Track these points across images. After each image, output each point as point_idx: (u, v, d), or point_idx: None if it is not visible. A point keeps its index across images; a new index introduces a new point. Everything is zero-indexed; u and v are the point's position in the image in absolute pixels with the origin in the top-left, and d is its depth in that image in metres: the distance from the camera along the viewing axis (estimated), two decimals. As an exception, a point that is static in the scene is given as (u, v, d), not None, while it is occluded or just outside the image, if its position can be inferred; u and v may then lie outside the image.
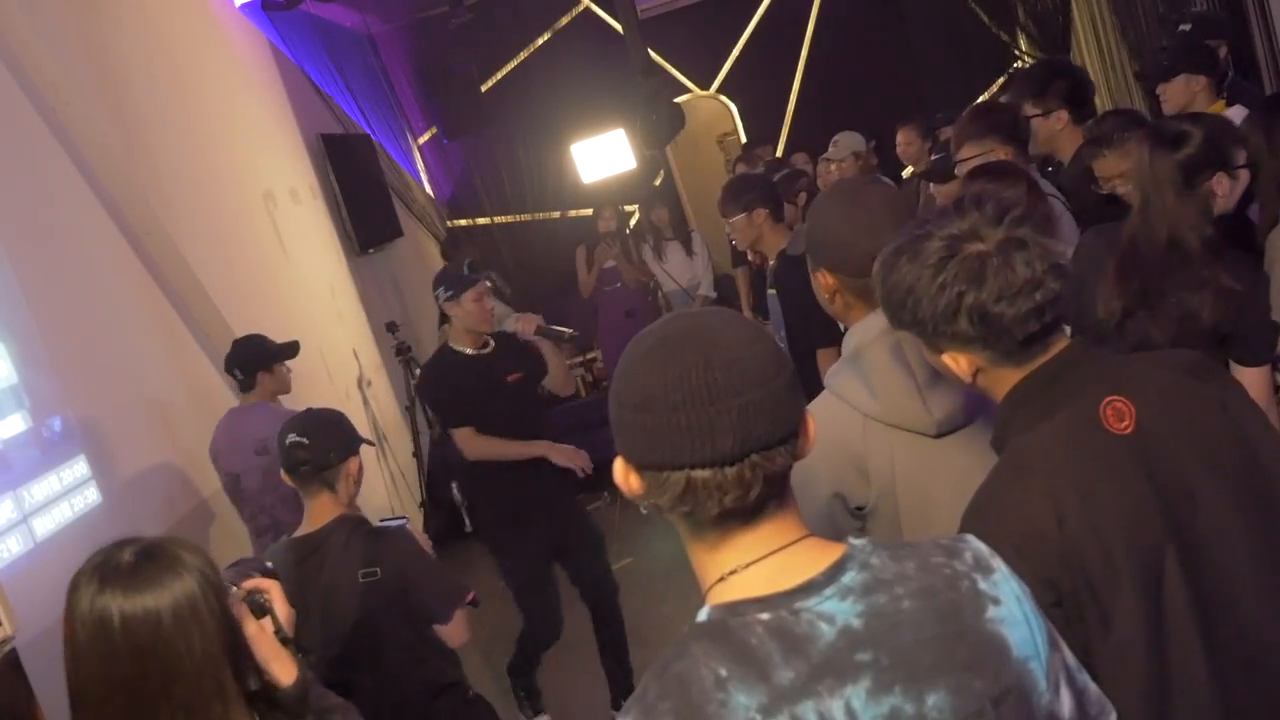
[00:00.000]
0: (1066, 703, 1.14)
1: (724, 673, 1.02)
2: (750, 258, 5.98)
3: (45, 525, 3.06)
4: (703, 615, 1.08)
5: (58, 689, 2.81)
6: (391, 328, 6.33)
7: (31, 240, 3.41)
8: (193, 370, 4.16)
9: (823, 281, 1.92)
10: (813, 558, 1.10)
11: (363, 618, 2.66)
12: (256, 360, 3.95)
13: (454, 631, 2.80)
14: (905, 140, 5.71)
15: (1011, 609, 1.11)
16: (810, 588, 1.07)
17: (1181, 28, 4.35)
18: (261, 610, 1.67)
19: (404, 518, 2.97)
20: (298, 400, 4.60)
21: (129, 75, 4.45)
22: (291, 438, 2.70)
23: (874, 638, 1.05)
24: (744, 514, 1.08)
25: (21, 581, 2.82)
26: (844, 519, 1.84)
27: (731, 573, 1.09)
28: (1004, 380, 1.51)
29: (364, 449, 2.85)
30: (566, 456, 3.87)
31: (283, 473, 2.74)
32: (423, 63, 8.58)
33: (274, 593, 1.71)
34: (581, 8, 8.87)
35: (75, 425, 3.30)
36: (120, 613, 1.49)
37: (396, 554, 2.72)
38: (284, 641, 1.67)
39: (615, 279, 7.20)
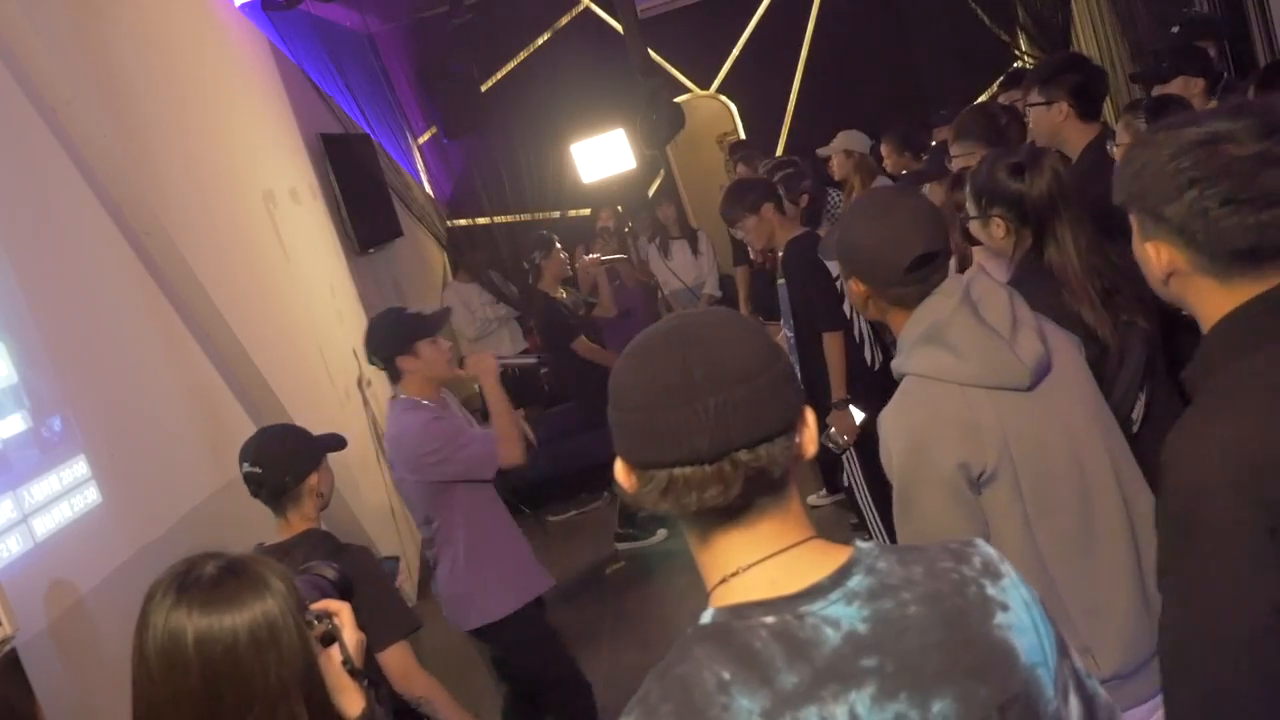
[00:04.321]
0: (1075, 710, 1.13)
1: (726, 676, 1.01)
2: (754, 257, 5.98)
3: (45, 525, 3.06)
4: (706, 617, 1.08)
5: (58, 689, 2.82)
6: (392, 328, 6.32)
7: (31, 240, 3.41)
8: (193, 370, 4.16)
9: (854, 289, 1.99)
10: (817, 561, 1.09)
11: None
12: (393, 341, 3.40)
13: (388, 666, 2.64)
14: (884, 154, 5.73)
15: (1020, 615, 1.10)
16: (816, 591, 1.06)
17: (1173, 30, 4.37)
18: (330, 638, 1.57)
19: (396, 557, 2.95)
20: (299, 401, 4.61)
21: (129, 75, 4.45)
22: (245, 466, 2.74)
23: (880, 643, 1.04)
24: (729, 512, 1.07)
25: (21, 581, 2.82)
26: (969, 490, 1.89)
27: (733, 574, 1.09)
28: (1200, 292, 1.43)
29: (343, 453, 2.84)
30: None
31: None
32: (422, 62, 8.58)
33: (344, 616, 1.60)
34: (581, 8, 8.87)
35: (75, 425, 3.30)
36: (194, 629, 1.42)
37: (350, 572, 2.62)
38: (352, 672, 1.57)
39: (614, 278, 7.22)
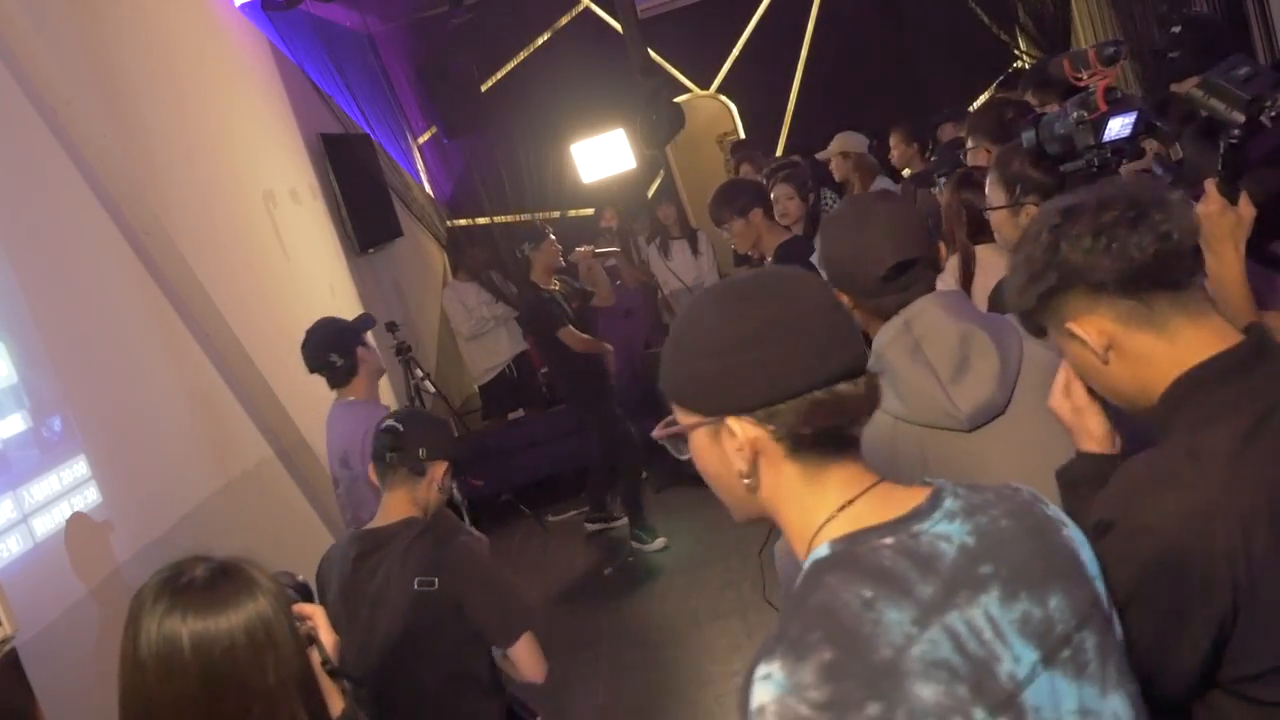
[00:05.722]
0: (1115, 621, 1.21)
1: (869, 594, 1.04)
2: (753, 255, 5.98)
3: (45, 525, 3.06)
4: (822, 550, 1.11)
5: (58, 689, 2.82)
6: (391, 328, 6.33)
7: (31, 240, 3.41)
8: (193, 370, 4.16)
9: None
10: (903, 494, 1.15)
11: (409, 629, 2.48)
12: (347, 339, 3.64)
13: (521, 659, 2.57)
14: (893, 145, 5.73)
15: (1077, 532, 1.18)
16: (919, 514, 1.12)
17: (1173, 30, 4.36)
18: (307, 640, 1.60)
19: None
20: (299, 401, 4.61)
21: (129, 75, 4.45)
22: (388, 423, 2.69)
23: (989, 552, 1.10)
24: (847, 442, 1.14)
25: (21, 581, 2.83)
26: None
27: (839, 510, 1.13)
28: (1143, 355, 1.33)
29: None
30: None
31: (370, 465, 2.68)
32: (422, 62, 8.58)
33: (318, 619, 1.62)
34: (581, 8, 8.87)
35: (75, 425, 3.30)
36: (190, 632, 1.43)
37: (459, 565, 2.53)
38: (331, 673, 1.60)
39: (614, 278, 7.22)
